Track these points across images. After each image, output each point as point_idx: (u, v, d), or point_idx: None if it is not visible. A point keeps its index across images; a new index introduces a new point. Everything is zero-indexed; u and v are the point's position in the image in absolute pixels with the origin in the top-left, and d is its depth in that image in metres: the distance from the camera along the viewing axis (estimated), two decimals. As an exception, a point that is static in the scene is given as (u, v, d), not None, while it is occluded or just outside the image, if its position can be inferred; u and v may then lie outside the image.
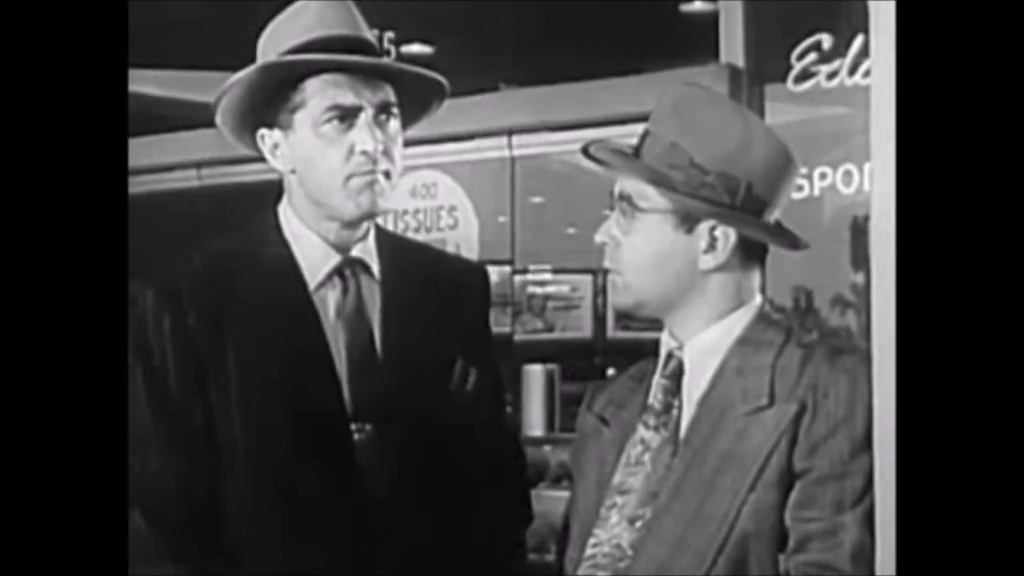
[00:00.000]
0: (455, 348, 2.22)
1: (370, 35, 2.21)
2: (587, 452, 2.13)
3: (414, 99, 2.23)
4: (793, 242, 2.07)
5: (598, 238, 2.06)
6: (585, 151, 2.10)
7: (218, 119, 2.22)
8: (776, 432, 1.92)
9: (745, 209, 2.01)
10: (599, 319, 5.80)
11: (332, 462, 2.14)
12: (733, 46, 5.37)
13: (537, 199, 6.29)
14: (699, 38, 5.53)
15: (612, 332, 5.72)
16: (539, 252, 6.03)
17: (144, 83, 6.29)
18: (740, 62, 5.33)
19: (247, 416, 2.11)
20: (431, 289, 2.25)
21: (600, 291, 5.72)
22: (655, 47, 5.78)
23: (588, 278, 5.76)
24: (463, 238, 5.90)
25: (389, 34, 5.92)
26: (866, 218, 4.74)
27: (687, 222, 2.00)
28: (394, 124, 2.17)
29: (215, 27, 5.99)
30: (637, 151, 2.05)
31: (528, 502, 2.34)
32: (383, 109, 2.15)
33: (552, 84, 5.74)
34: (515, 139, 5.94)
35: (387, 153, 2.14)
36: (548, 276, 5.99)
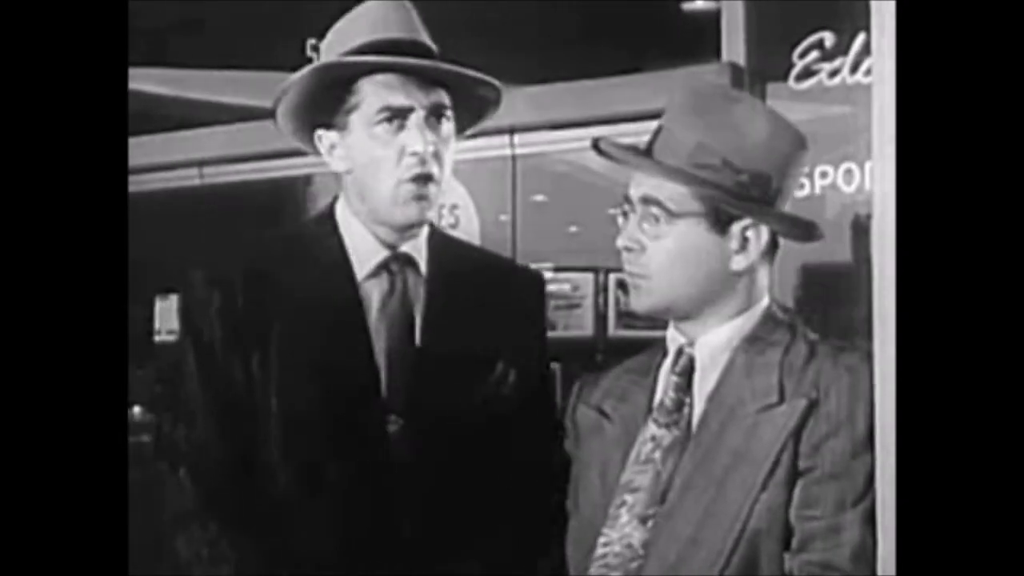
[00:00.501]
0: (496, 350, 2.25)
1: (427, 38, 2.25)
2: (588, 447, 2.12)
3: (468, 103, 2.27)
4: (812, 232, 2.07)
5: (621, 243, 2.03)
6: (600, 150, 2.08)
7: (278, 120, 2.27)
8: (786, 430, 1.92)
9: (774, 204, 2.01)
10: (600, 318, 5.79)
11: (364, 451, 2.18)
12: (735, 44, 5.37)
13: (539, 198, 6.28)
14: (701, 36, 5.52)
15: (613, 331, 5.72)
16: (540, 251, 6.02)
17: (145, 81, 6.29)
18: (742, 60, 5.32)
19: (284, 397, 2.17)
20: (479, 291, 2.28)
21: (601, 290, 5.71)
22: (657, 46, 5.78)
23: (589, 276, 5.75)
24: (464, 236, 5.90)
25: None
26: (867, 216, 4.73)
27: (719, 223, 1.99)
28: (447, 127, 2.21)
29: (216, 26, 6.00)
30: (649, 150, 2.03)
31: (563, 503, 2.34)
32: (435, 111, 2.19)
33: (554, 83, 5.75)
34: (516, 137, 5.94)
35: (437, 155, 2.18)
36: (549, 275, 5.99)
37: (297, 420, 2.18)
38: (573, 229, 6.05)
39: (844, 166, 5.15)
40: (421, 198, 2.18)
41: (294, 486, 2.17)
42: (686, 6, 6.50)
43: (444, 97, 2.21)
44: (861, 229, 5.02)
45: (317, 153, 2.27)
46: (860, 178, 5.12)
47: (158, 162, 6.73)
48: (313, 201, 6.73)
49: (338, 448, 2.17)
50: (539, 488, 2.20)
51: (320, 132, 2.25)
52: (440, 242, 2.32)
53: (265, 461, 2.18)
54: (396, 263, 2.24)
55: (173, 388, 2.22)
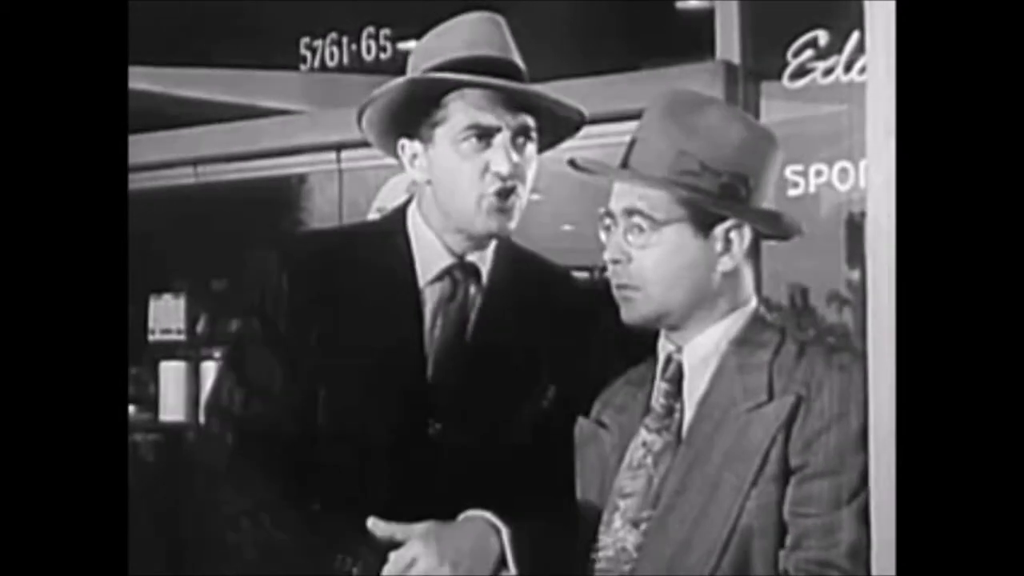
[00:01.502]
0: (548, 364, 2.26)
1: (518, 57, 2.28)
2: (588, 458, 2.13)
3: (552, 125, 2.29)
4: (792, 228, 2.09)
5: (608, 256, 2.05)
6: (577, 167, 2.11)
7: (361, 126, 2.30)
8: (775, 426, 1.93)
9: (754, 203, 2.02)
10: (594, 316, 5.79)
11: (403, 452, 2.21)
12: (729, 43, 5.37)
13: (533, 196, 6.27)
14: (695, 35, 5.52)
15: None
16: (535, 249, 6.02)
17: (141, 80, 6.29)
18: (736, 59, 5.32)
19: (332, 388, 2.22)
20: (538, 304, 2.30)
21: (596, 288, 5.71)
22: (651, 44, 5.77)
23: (584, 276, 5.75)
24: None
25: (385, 31, 5.93)
26: (862, 215, 4.75)
27: (703, 227, 2.01)
28: (531, 148, 2.24)
29: (212, 24, 6.00)
30: (625, 162, 2.05)
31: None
32: (521, 132, 2.22)
33: (546, 81, 5.74)
34: (511, 136, 5.93)
35: (520, 175, 2.21)
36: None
37: (342, 413, 2.22)
38: (567, 228, 6.05)
39: (839, 165, 5.15)
40: (503, 211, 2.21)
41: (335, 473, 2.20)
42: (680, 4, 6.49)
43: (530, 119, 2.23)
44: (855, 227, 5.03)
45: (397, 159, 2.30)
46: (855, 176, 5.14)
47: (153, 160, 6.73)
48: (308, 199, 6.74)
49: (379, 447, 2.21)
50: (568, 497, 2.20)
51: (403, 141, 2.28)
52: (507, 253, 2.33)
53: (312, 446, 2.22)
54: (460, 271, 2.27)
55: (238, 362, 2.29)
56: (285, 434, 2.21)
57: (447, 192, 2.23)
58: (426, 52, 2.27)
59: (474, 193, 2.20)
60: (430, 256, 2.27)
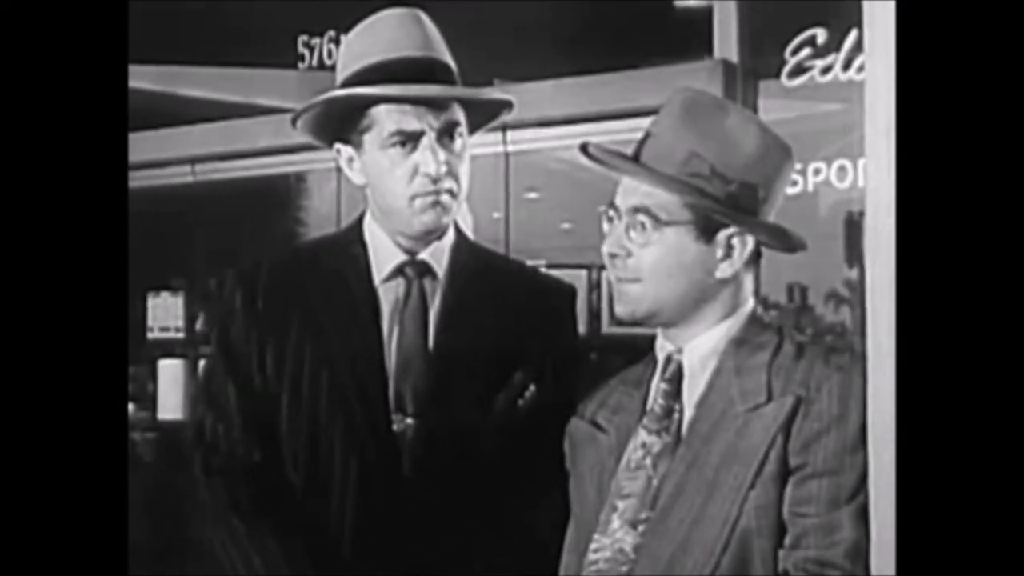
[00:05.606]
0: (515, 358, 2.27)
1: (442, 52, 2.29)
2: (585, 459, 2.12)
3: (481, 112, 2.33)
4: (797, 243, 2.08)
5: (608, 249, 2.04)
6: (589, 155, 2.10)
7: (299, 132, 2.35)
8: (774, 427, 1.93)
9: (759, 214, 2.02)
10: (593, 315, 5.80)
11: (368, 449, 2.23)
12: (727, 41, 5.38)
13: (531, 195, 6.29)
14: (693, 33, 5.54)
15: (607, 328, 5.73)
16: (533, 248, 6.03)
17: (138, 78, 6.29)
18: (734, 57, 5.34)
19: (295, 394, 2.24)
20: (500, 299, 2.31)
21: (595, 287, 5.71)
22: (650, 43, 5.79)
23: (583, 273, 5.75)
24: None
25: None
26: (860, 213, 4.75)
27: (706, 232, 2.00)
28: (459, 142, 2.26)
29: (210, 23, 6.00)
30: (637, 156, 2.04)
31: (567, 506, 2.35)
32: (447, 130, 2.24)
33: (546, 80, 5.75)
34: (509, 134, 5.95)
35: (451, 172, 2.23)
36: (542, 272, 5.98)
37: (306, 417, 2.24)
38: (566, 226, 6.06)
39: (837, 163, 5.17)
40: (437, 205, 2.24)
41: (307, 483, 2.23)
42: (678, 3, 6.51)
43: (456, 114, 2.25)
44: (854, 226, 5.04)
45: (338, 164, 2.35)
46: (853, 175, 5.15)
47: (151, 159, 6.74)
48: (306, 198, 6.74)
49: (344, 447, 2.22)
50: (547, 496, 2.20)
51: (338, 146, 2.31)
52: (464, 250, 2.35)
53: (282, 459, 2.24)
54: (412, 268, 2.29)
55: (208, 385, 2.32)
56: (244, 453, 2.24)
57: (381, 194, 2.27)
58: (350, 54, 2.30)
59: (406, 195, 2.24)
60: (384, 255, 2.30)
